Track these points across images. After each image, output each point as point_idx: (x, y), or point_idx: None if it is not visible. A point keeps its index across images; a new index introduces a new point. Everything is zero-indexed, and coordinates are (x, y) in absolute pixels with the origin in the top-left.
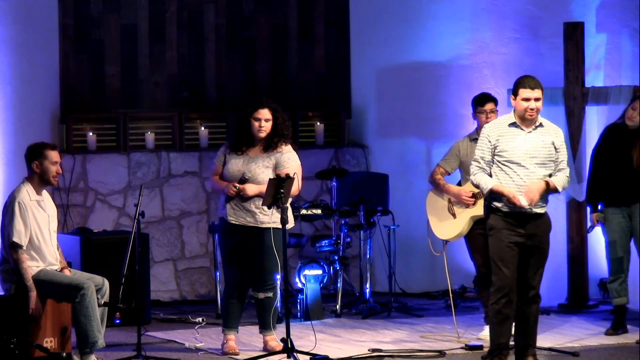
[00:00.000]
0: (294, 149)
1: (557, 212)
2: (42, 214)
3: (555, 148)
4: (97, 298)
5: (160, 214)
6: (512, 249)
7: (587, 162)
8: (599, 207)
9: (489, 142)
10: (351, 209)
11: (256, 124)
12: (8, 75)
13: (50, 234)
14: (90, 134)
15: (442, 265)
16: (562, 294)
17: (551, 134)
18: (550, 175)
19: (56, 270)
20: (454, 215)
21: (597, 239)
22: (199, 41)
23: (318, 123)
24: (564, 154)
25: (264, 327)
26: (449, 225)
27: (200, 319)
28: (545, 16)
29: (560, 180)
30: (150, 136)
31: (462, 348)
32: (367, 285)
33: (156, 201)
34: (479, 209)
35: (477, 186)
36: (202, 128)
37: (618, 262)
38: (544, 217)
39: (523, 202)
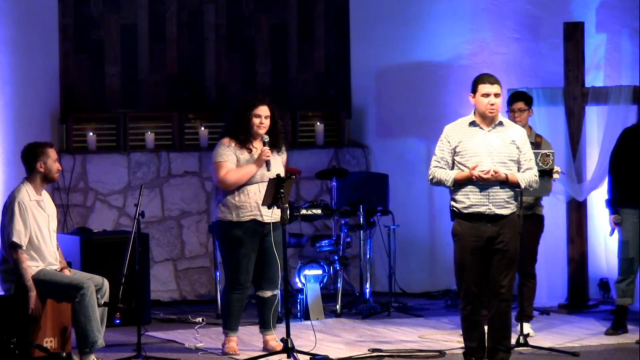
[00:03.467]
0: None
1: (557, 212)
2: (42, 214)
3: (517, 147)
4: (97, 298)
5: (160, 214)
6: (475, 257)
7: (587, 162)
8: (618, 209)
9: (449, 142)
10: (351, 209)
11: (257, 120)
12: (8, 75)
13: (50, 233)
14: (90, 134)
15: (442, 265)
16: (562, 294)
17: (513, 133)
18: None
19: (56, 270)
20: None
21: (597, 239)
22: (199, 41)
23: (318, 123)
24: (528, 154)
25: (265, 327)
26: None
27: (200, 319)
28: (545, 16)
29: (526, 176)
30: (150, 136)
31: (462, 348)
32: (367, 285)
33: (156, 201)
34: None
35: (438, 183)
36: (202, 128)
37: (629, 263)
38: (508, 218)
39: (486, 166)
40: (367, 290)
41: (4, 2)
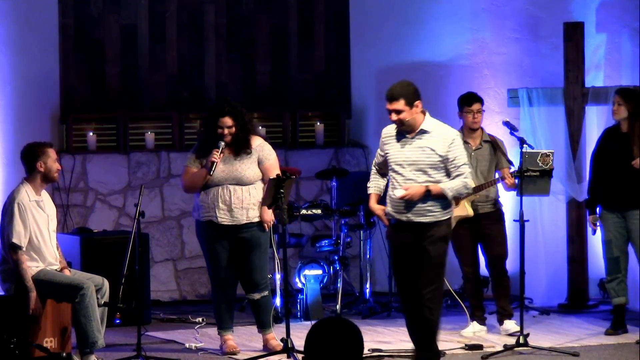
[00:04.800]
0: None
1: (557, 212)
2: (41, 214)
3: (438, 155)
4: (97, 298)
5: (160, 214)
6: (401, 262)
7: (587, 162)
8: (597, 209)
9: (380, 149)
10: (351, 209)
11: (220, 131)
12: (8, 75)
13: (49, 233)
14: (90, 134)
15: None
16: (562, 294)
17: (434, 140)
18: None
19: (56, 270)
20: None
21: (597, 239)
22: (199, 41)
23: (318, 123)
24: (457, 159)
25: (263, 326)
26: None
27: (200, 319)
28: (545, 16)
29: (452, 184)
30: (150, 136)
31: (462, 348)
32: (367, 285)
33: (156, 201)
34: (463, 210)
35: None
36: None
37: (614, 262)
38: (431, 226)
39: (398, 192)
40: (367, 290)
41: (4, 2)
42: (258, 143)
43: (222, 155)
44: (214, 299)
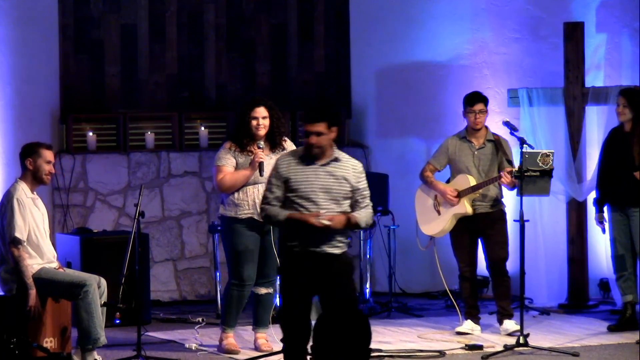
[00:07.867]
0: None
1: (557, 212)
2: (38, 211)
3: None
4: None
5: (160, 214)
6: (302, 290)
7: (587, 162)
8: (605, 208)
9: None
10: None
11: (254, 122)
12: (8, 75)
13: (46, 231)
14: (90, 134)
15: (442, 265)
16: (562, 294)
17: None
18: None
19: (55, 268)
20: (438, 212)
21: (597, 239)
22: (199, 41)
23: None
24: None
25: (257, 324)
26: (434, 221)
27: (200, 319)
28: (545, 16)
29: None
30: (150, 136)
31: (462, 348)
32: (367, 285)
33: (156, 201)
34: (462, 207)
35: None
36: (202, 128)
37: (620, 260)
38: (340, 258)
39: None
40: (367, 290)
41: (4, 2)
42: (289, 143)
43: (264, 152)
44: (228, 293)
